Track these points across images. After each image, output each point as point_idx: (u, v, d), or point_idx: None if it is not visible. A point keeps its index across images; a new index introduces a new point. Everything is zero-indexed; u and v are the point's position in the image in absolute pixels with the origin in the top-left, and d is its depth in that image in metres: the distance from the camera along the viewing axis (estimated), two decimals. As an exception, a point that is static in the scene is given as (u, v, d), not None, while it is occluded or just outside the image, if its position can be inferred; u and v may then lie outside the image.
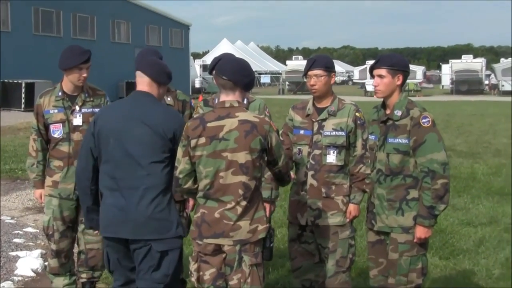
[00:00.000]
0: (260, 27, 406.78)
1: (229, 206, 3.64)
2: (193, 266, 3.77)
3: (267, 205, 4.49)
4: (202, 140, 3.65)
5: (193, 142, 3.67)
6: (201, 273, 3.75)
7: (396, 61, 4.17)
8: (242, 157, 3.61)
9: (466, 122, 22.54)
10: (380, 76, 4.16)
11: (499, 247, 6.84)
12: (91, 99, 5.01)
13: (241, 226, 3.64)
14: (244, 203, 3.64)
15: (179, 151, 3.74)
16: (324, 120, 4.52)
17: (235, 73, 3.70)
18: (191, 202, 5.13)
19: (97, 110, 4.91)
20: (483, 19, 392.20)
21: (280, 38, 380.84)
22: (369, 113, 4.40)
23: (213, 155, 3.64)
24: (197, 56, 67.12)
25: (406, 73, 4.21)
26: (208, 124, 3.67)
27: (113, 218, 3.83)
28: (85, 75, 4.83)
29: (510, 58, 54.48)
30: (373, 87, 4.25)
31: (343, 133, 4.48)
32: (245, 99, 4.93)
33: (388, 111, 4.21)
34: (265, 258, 3.77)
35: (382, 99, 4.29)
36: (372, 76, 4.25)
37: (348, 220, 4.50)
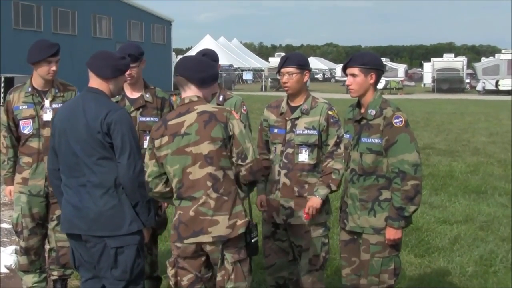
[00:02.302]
0: (243, 24, 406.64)
1: (201, 201, 3.60)
2: (170, 271, 3.73)
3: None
4: (165, 139, 3.65)
5: (157, 142, 3.67)
6: (178, 278, 3.71)
7: (368, 60, 4.13)
8: (205, 148, 3.58)
9: (446, 121, 22.64)
10: (353, 75, 4.11)
11: (473, 245, 6.88)
12: (62, 94, 4.95)
13: (219, 221, 3.59)
14: (214, 195, 3.59)
15: (146, 155, 3.75)
16: (297, 118, 4.50)
17: (186, 69, 3.71)
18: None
19: None
20: (465, 18, 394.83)
21: (263, 35, 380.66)
22: (345, 112, 4.38)
23: (178, 152, 3.62)
24: (179, 52, 67.05)
25: (379, 71, 4.17)
26: (169, 122, 3.67)
27: (68, 215, 3.87)
28: (54, 68, 4.76)
29: (491, 57, 54.97)
30: (346, 86, 4.21)
31: (315, 132, 4.47)
32: (221, 96, 4.92)
33: (362, 110, 4.18)
34: (250, 253, 3.72)
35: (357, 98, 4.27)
36: (346, 75, 4.22)
37: (305, 213, 4.47)
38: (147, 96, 4.91)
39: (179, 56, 48.03)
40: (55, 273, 5.02)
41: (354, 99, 4.27)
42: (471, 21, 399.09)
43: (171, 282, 3.75)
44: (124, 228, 3.78)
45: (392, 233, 4.05)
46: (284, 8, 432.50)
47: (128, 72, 4.75)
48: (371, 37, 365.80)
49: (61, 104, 4.84)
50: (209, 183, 3.59)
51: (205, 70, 3.76)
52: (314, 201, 4.47)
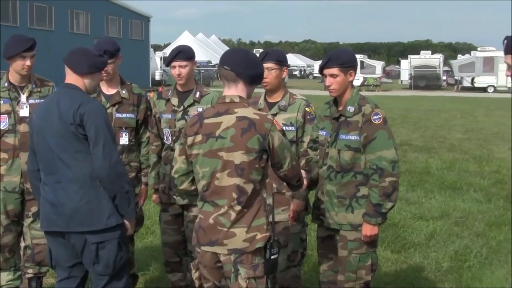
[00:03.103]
0: (222, 20, 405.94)
1: (222, 210, 3.39)
2: (194, 274, 3.60)
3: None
4: (199, 137, 3.43)
5: (190, 139, 3.46)
6: (202, 281, 3.57)
7: (347, 59, 4.12)
8: (238, 157, 3.35)
9: (423, 117, 22.84)
10: (333, 75, 4.09)
11: (449, 240, 6.96)
12: (39, 89, 4.90)
13: (236, 233, 3.37)
14: (238, 208, 3.36)
15: (176, 149, 3.58)
16: (275, 115, 4.49)
17: (237, 64, 3.44)
18: (143, 195, 5.09)
19: None
20: (442, 16, 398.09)
21: (242, 31, 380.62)
22: (321, 109, 4.39)
23: (209, 154, 3.40)
24: (158, 48, 66.59)
25: (356, 67, 4.20)
26: (206, 121, 3.43)
27: (47, 213, 3.82)
28: (29, 63, 4.70)
29: (467, 55, 55.47)
30: (326, 86, 4.17)
31: (293, 128, 4.48)
32: (198, 92, 4.91)
33: (340, 108, 4.17)
34: (267, 271, 3.43)
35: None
36: (322, 75, 4.20)
37: (290, 216, 4.49)
38: (123, 92, 4.89)
39: (158, 52, 48.19)
40: (30, 271, 4.96)
41: (329, 96, 4.27)
42: (448, 19, 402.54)
43: (196, 285, 3.61)
44: (102, 223, 3.73)
45: (368, 230, 4.06)
46: (264, 5, 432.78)
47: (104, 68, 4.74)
48: (349, 34, 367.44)
49: (38, 100, 4.81)
50: (234, 195, 3.37)
51: (256, 67, 3.52)
52: (298, 205, 4.49)
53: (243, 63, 3.45)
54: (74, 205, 3.72)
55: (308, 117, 4.51)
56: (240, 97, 3.44)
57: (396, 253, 6.50)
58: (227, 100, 3.44)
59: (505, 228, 7.35)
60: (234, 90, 3.46)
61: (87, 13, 35.49)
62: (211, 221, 3.41)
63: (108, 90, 4.91)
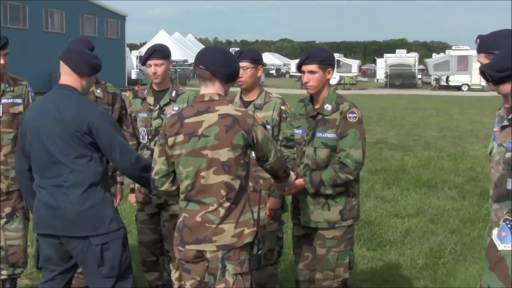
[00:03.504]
0: (198, 19, 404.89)
1: (211, 208, 3.36)
2: (174, 275, 3.54)
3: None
4: (180, 137, 3.39)
5: (170, 140, 3.41)
6: (182, 282, 3.49)
7: (326, 56, 4.13)
8: (224, 154, 3.33)
9: (398, 116, 23.02)
10: (311, 72, 4.09)
11: (424, 237, 7.02)
12: (12, 89, 4.83)
13: (224, 229, 3.35)
14: (227, 204, 3.36)
15: (156, 151, 3.50)
16: (251, 113, 4.51)
17: (213, 63, 3.42)
18: (118, 195, 5.07)
19: (18, 100, 4.79)
20: (417, 15, 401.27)
21: (218, 30, 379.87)
22: (295, 107, 4.39)
23: (193, 154, 3.37)
24: (134, 47, 66.37)
25: (334, 66, 4.22)
26: (186, 120, 3.39)
27: (43, 215, 3.74)
28: (2, 62, 4.64)
29: (442, 54, 56.00)
30: (304, 83, 4.18)
31: (269, 127, 4.48)
32: (174, 91, 4.91)
33: (317, 106, 4.18)
34: (252, 267, 3.46)
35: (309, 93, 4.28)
36: (300, 72, 4.22)
37: (267, 215, 4.50)
38: (98, 91, 4.87)
39: (134, 51, 47.93)
40: (4, 272, 4.90)
41: (306, 95, 4.28)
42: (423, 18, 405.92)
43: (175, 286, 3.56)
44: (104, 227, 3.67)
45: (296, 188, 4.10)
46: (240, 4, 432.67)
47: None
48: (325, 33, 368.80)
49: (12, 100, 4.75)
50: (223, 192, 3.36)
51: (232, 65, 3.50)
52: (274, 203, 4.50)
53: (219, 61, 3.44)
54: (76, 210, 3.64)
55: (284, 115, 4.52)
56: (219, 95, 3.43)
57: (372, 250, 6.54)
58: (206, 98, 3.42)
59: (479, 225, 7.44)
60: (211, 89, 3.44)
61: (62, 11, 35.17)
62: (198, 219, 3.38)
63: (82, 89, 4.88)
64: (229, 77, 3.49)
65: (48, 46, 31.85)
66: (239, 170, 3.39)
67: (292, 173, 3.90)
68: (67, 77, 3.78)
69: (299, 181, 4.09)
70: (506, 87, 2.75)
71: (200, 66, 3.43)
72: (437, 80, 47.43)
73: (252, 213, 3.49)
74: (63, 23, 35.55)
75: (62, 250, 3.77)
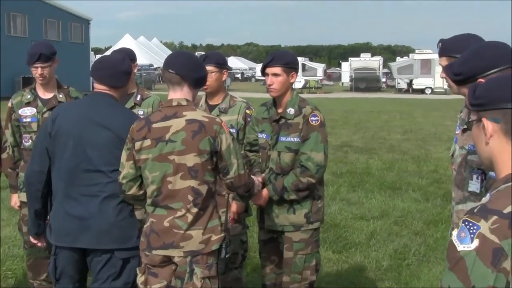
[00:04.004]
0: (164, 23, 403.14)
1: (179, 213, 3.35)
2: (140, 279, 3.50)
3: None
4: (147, 142, 3.37)
5: (137, 144, 3.39)
6: (148, 286, 3.46)
7: (290, 59, 4.15)
8: (191, 159, 3.33)
9: (364, 119, 23.21)
10: (275, 74, 4.09)
11: (388, 239, 7.10)
12: None
13: (192, 235, 3.35)
14: (195, 210, 3.35)
15: (123, 155, 3.47)
16: (216, 117, 4.51)
17: (182, 67, 3.41)
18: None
19: None
20: (382, 18, 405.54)
21: (183, 34, 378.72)
22: (257, 111, 4.40)
23: (159, 159, 3.36)
24: (98, 51, 65.72)
25: (297, 70, 4.24)
26: (154, 125, 3.38)
27: (70, 227, 3.59)
28: None
29: (405, 57, 56.62)
30: (268, 86, 4.18)
31: (234, 131, 4.48)
32: (139, 95, 4.88)
33: (280, 110, 4.19)
34: (220, 270, 3.48)
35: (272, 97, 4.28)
36: (264, 75, 4.22)
37: (231, 218, 4.50)
38: (60, 96, 4.81)
39: (98, 56, 47.51)
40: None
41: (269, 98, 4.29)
42: (387, 22, 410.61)
43: None
44: (132, 241, 3.60)
45: (264, 199, 4.14)
46: (205, 8, 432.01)
47: (39, 72, 4.65)
48: (290, 37, 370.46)
49: None
50: (190, 197, 3.35)
51: (200, 70, 3.51)
52: (238, 206, 4.49)
53: (187, 66, 3.43)
54: (111, 220, 3.56)
55: (248, 119, 4.53)
56: (187, 100, 3.43)
57: (337, 253, 6.58)
58: (174, 103, 3.41)
59: (442, 226, 7.55)
60: (180, 94, 3.43)
61: (24, 15, 34.68)
62: (166, 224, 3.37)
63: (44, 94, 4.83)
64: (198, 81, 3.49)
65: (11, 50, 31.37)
66: (206, 176, 3.38)
67: (257, 181, 3.88)
68: (104, 89, 3.71)
69: (264, 192, 4.12)
70: (463, 89, 2.84)
71: (169, 70, 3.42)
72: (409, 84, 47.80)
73: (220, 219, 3.49)
74: (26, 27, 35.05)
75: (80, 262, 3.69)
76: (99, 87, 3.72)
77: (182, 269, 3.38)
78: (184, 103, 3.41)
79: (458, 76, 2.81)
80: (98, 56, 47.74)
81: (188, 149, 3.33)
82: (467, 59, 2.81)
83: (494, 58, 2.75)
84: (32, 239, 4.01)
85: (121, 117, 3.60)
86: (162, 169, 3.36)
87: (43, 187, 3.72)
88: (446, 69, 2.90)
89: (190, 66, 3.44)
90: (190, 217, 3.36)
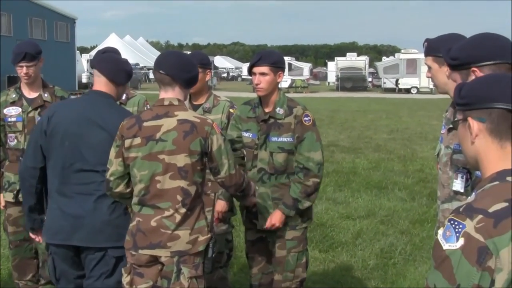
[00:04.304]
0: (150, 22, 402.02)
1: (167, 213, 3.35)
2: (125, 279, 3.48)
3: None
4: (137, 140, 3.36)
5: (127, 142, 3.38)
6: (134, 286, 3.44)
7: (277, 59, 4.15)
8: (181, 160, 3.32)
9: (350, 118, 23.28)
10: (263, 74, 4.09)
11: (375, 238, 7.12)
12: None
13: (180, 235, 3.35)
14: (183, 210, 3.35)
15: (112, 152, 3.45)
16: (199, 117, 4.50)
17: (172, 67, 3.40)
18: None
19: None
20: (368, 18, 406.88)
21: (170, 33, 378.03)
22: (240, 110, 4.39)
23: (149, 157, 3.34)
24: (84, 50, 65.40)
25: (284, 69, 4.24)
26: (145, 124, 3.37)
27: (64, 225, 3.61)
28: None
29: (391, 57, 56.86)
30: (255, 85, 4.17)
31: (217, 129, 4.48)
32: (125, 95, 4.87)
33: (267, 109, 4.18)
34: (206, 270, 3.50)
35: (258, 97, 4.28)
36: (251, 74, 4.22)
37: (215, 217, 4.49)
38: (46, 95, 4.79)
39: (84, 55, 47.35)
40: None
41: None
42: (373, 21, 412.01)
43: None
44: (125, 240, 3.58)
45: (278, 218, 4.11)
46: (192, 7, 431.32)
47: (25, 71, 4.63)
48: (277, 36, 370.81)
49: None
50: (179, 197, 3.35)
51: (191, 70, 3.48)
52: (222, 206, 4.48)
53: (179, 66, 3.42)
54: (104, 219, 3.57)
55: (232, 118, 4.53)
56: (179, 100, 3.42)
57: (324, 252, 6.59)
58: (166, 102, 3.40)
59: (428, 225, 7.58)
60: (171, 93, 3.43)
61: (9, 14, 34.41)
62: (153, 223, 3.36)
63: (29, 93, 4.81)
64: (189, 81, 3.48)
65: (-5, 49, 31.14)
66: (196, 176, 3.37)
67: (253, 184, 3.89)
68: (102, 85, 3.71)
69: (277, 214, 4.11)
70: (455, 76, 2.84)
71: (160, 71, 3.41)
72: (396, 83, 47.82)
73: (206, 219, 3.49)
74: (11, 26, 34.80)
75: (75, 260, 3.69)
76: (98, 82, 3.72)
77: (169, 269, 3.37)
78: (176, 102, 3.40)
79: (454, 60, 2.80)
80: (85, 55, 47.54)
81: (179, 149, 3.32)
82: (466, 45, 2.81)
83: (492, 50, 2.73)
84: (30, 235, 4.03)
85: (117, 117, 3.57)
86: (151, 168, 3.35)
87: (37, 183, 3.73)
88: (444, 52, 2.88)
89: (181, 66, 3.43)
90: (178, 217, 3.35)
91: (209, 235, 3.44)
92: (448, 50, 2.86)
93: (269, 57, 4.13)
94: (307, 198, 4.09)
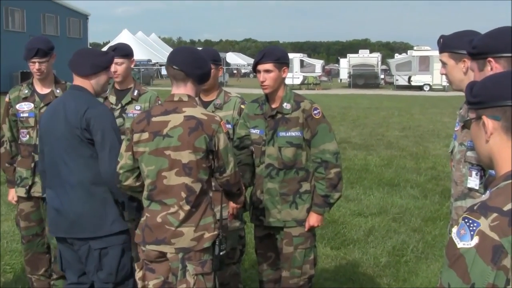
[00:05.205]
0: (161, 19, 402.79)
1: (172, 210, 3.35)
2: (138, 274, 3.52)
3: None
4: (145, 135, 3.39)
5: (136, 136, 3.41)
6: (146, 282, 3.47)
7: (281, 55, 4.15)
8: (186, 156, 3.31)
9: (361, 115, 23.19)
10: (267, 71, 4.09)
11: (387, 236, 7.09)
12: None
13: (183, 232, 3.34)
14: (187, 207, 3.34)
15: (123, 145, 3.50)
16: (211, 113, 4.49)
17: (185, 63, 3.40)
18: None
19: None
20: (380, 15, 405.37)
21: (182, 30, 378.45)
22: (248, 108, 4.38)
23: (156, 153, 3.36)
24: (96, 46, 65.56)
25: (288, 64, 4.24)
26: (153, 119, 3.40)
27: (52, 218, 3.75)
28: None
29: (404, 54, 56.61)
30: (260, 82, 4.16)
31: (230, 126, 4.47)
32: (136, 91, 4.88)
33: (274, 105, 4.18)
34: (214, 267, 3.45)
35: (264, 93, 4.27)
36: (256, 71, 4.20)
37: (229, 213, 4.49)
38: (58, 91, 4.80)
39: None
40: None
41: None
42: (386, 18, 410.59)
43: (139, 286, 3.53)
44: (106, 229, 3.64)
45: (317, 220, 4.13)
46: (204, 3, 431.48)
47: (37, 67, 4.64)
48: (289, 33, 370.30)
49: None
50: (183, 194, 3.34)
51: (204, 66, 3.47)
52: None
53: (192, 62, 3.43)
54: (77, 211, 3.63)
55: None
56: (189, 96, 3.41)
57: (335, 249, 6.58)
58: (176, 98, 3.41)
59: (440, 223, 7.54)
60: (183, 89, 3.43)
61: (22, 10, 34.63)
62: (158, 219, 3.38)
63: (42, 89, 4.82)
64: (202, 77, 3.48)
65: (9, 45, 31.35)
66: (201, 174, 3.37)
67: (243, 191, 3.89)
68: (76, 80, 3.80)
69: (312, 216, 4.13)
70: (472, 65, 2.85)
71: (174, 67, 3.42)
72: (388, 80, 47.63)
73: (214, 216, 3.46)
74: (24, 22, 34.99)
75: (76, 251, 3.76)
76: (74, 80, 3.84)
77: (175, 265, 3.38)
78: (186, 99, 3.40)
79: (474, 49, 2.80)
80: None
81: (184, 146, 3.32)
82: (487, 35, 2.81)
83: (510, 43, 2.72)
84: None
85: (74, 106, 3.66)
86: (158, 163, 3.36)
87: None
88: (467, 43, 2.89)
89: (194, 62, 3.43)
90: (182, 214, 3.35)
91: (215, 232, 3.42)
92: (470, 41, 2.86)
93: (273, 54, 4.13)
94: (334, 190, 4.12)
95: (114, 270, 3.70)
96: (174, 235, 3.34)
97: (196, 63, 3.43)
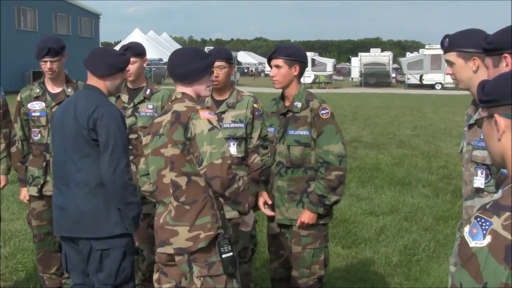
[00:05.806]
0: (173, 18, 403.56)
1: (168, 208, 3.35)
2: (154, 276, 3.53)
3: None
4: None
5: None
6: (160, 285, 3.46)
7: (292, 52, 4.16)
8: (169, 151, 3.30)
9: (373, 114, 23.12)
10: (277, 66, 4.12)
11: (398, 235, 7.06)
12: None
13: (178, 232, 3.28)
14: (175, 203, 3.29)
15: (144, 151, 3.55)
16: (223, 112, 4.48)
17: (169, 64, 3.47)
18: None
19: None
20: (392, 14, 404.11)
21: (193, 29, 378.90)
22: (267, 106, 4.41)
23: (154, 153, 3.39)
24: (108, 45, 65.66)
25: (303, 63, 4.19)
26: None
27: (56, 217, 3.75)
28: None
29: (415, 52, 56.39)
30: (271, 77, 4.21)
31: (242, 125, 4.46)
32: (149, 90, 4.90)
33: (287, 103, 4.20)
34: (225, 270, 3.29)
35: (281, 91, 4.29)
36: (270, 67, 4.23)
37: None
38: (69, 90, 4.82)
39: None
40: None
41: (277, 93, 4.30)
42: (397, 17, 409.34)
43: None
44: (107, 230, 3.61)
45: (307, 216, 4.09)
46: (214, 2, 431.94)
47: (48, 66, 4.65)
48: (300, 32, 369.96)
49: None
50: (171, 190, 3.31)
51: (184, 64, 3.38)
52: (250, 201, 4.46)
53: (174, 62, 3.45)
54: (80, 210, 3.62)
55: (256, 113, 4.52)
56: (183, 94, 3.41)
57: (347, 248, 6.57)
58: (172, 97, 3.46)
59: (452, 222, 7.50)
60: (179, 88, 3.46)
61: (34, 10, 34.78)
62: (161, 221, 3.38)
63: (53, 88, 4.84)
64: (185, 76, 3.41)
65: (21, 45, 31.48)
66: (186, 167, 3.27)
67: (251, 199, 3.85)
68: (90, 79, 3.80)
69: (305, 214, 4.10)
70: (487, 61, 2.84)
71: (170, 71, 3.47)
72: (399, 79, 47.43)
73: (214, 216, 3.31)
74: (36, 22, 35.15)
75: (80, 251, 3.74)
76: (88, 76, 3.83)
77: (183, 268, 3.33)
78: (179, 96, 3.41)
79: (490, 44, 2.79)
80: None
81: (168, 141, 3.33)
82: (504, 31, 2.81)
83: None
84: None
85: (84, 104, 3.65)
86: (157, 163, 3.38)
87: None
88: (483, 39, 2.87)
89: (175, 61, 3.43)
90: (173, 212, 3.32)
91: (211, 233, 3.28)
92: (485, 37, 2.85)
93: (284, 50, 4.16)
94: (333, 193, 4.06)
95: (114, 273, 3.66)
96: (171, 234, 3.32)
97: (173, 62, 3.44)
